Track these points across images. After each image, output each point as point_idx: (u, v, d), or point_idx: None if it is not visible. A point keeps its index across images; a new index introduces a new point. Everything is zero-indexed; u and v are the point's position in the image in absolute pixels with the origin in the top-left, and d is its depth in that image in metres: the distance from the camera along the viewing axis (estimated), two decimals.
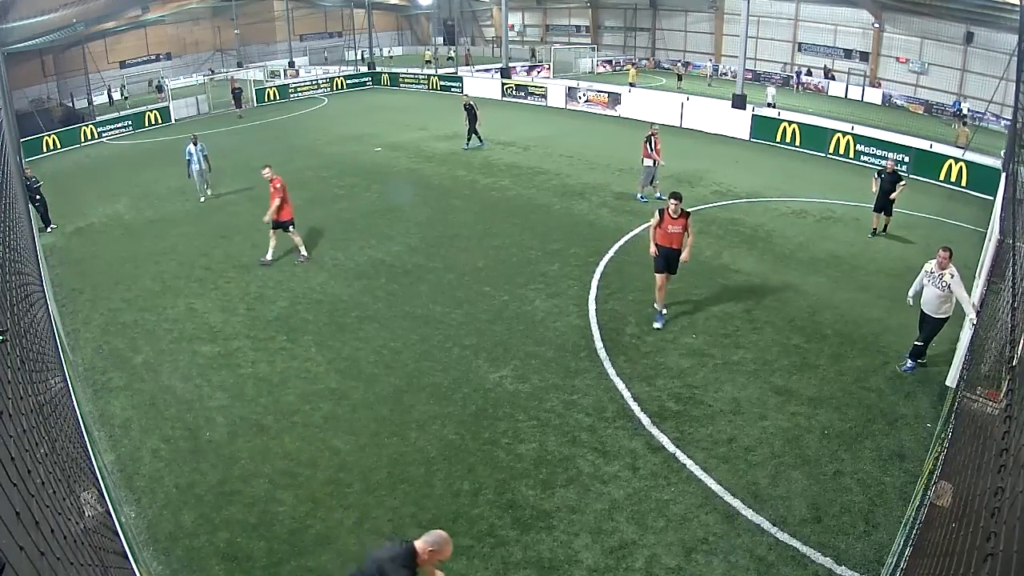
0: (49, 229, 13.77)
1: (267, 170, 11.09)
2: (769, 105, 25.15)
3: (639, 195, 14.52)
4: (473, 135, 19.91)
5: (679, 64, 42.48)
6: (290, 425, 7.01)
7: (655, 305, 8.97)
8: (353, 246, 12.08)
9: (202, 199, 15.17)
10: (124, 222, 14.27)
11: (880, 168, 12.61)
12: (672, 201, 8.45)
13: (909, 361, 7.76)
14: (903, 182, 12.05)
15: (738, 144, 20.32)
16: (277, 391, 7.64)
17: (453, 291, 10.08)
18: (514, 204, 14.40)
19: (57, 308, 9.24)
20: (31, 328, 4.59)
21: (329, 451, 6.58)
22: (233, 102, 28.29)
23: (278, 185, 10.82)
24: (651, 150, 13.96)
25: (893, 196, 11.97)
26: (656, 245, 8.66)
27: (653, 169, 14.12)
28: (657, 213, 8.59)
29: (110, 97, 35.54)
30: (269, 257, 11.18)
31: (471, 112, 19.63)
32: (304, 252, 11.30)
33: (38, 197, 13.63)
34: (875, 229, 12.33)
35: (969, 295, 7.24)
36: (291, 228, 11.11)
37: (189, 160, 14.89)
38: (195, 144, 14.94)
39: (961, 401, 5.41)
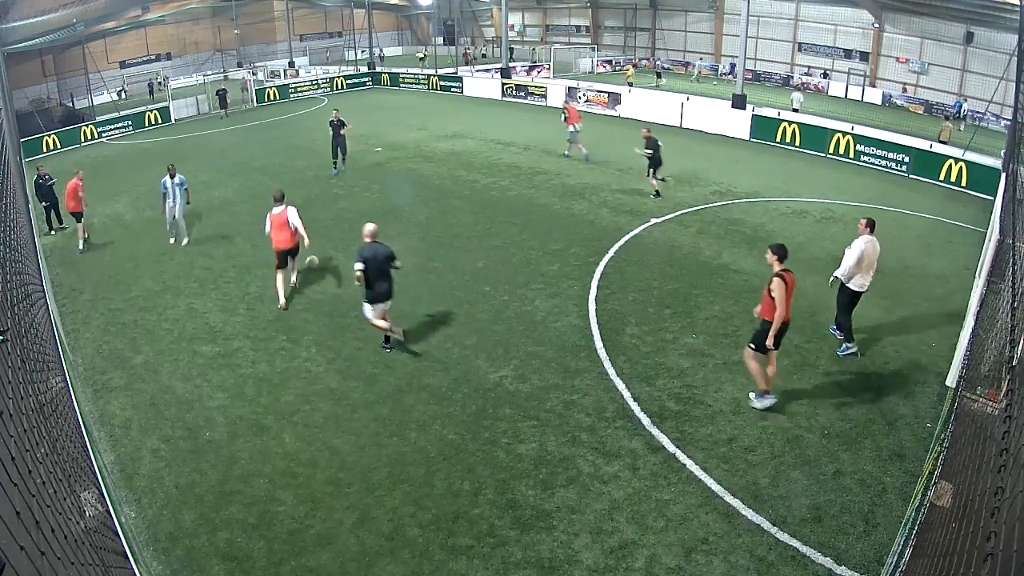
0: (52, 232, 13.66)
1: (81, 171, 13.03)
2: (794, 111, 24.57)
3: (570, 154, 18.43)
4: (339, 156, 17.06)
5: (659, 63, 43.87)
6: (290, 425, 7.01)
7: (763, 387, 7.08)
8: (353, 246, 12.01)
9: (171, 240, 12.49)
10: (124, 222, 14.28)
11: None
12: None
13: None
14: (649, 150, 14.22)
15: (738, 144, 20.32)
16: (277, 391, 7.65)
17: (453, 291, 10.08)
18: (514, 204, 14.40)
19: (57, 308, 9.24)
20: (31, 328, 4.59)
21: (329, 451, 6.58)
22: (219, 103, 28.19)
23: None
24: (564, 118, 18.31)
25: (638, 151, 14.49)
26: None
27: (568, 132, 18.29)
28: (779, 279, 6.68)
29: (151, 89, 36.71)
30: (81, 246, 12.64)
31: (336, 129, 16.74)
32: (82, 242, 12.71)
33: (45, 197, 13.57)
34: (656, 191, 14.65)
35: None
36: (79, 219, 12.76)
37: (164, 194, 12.05)
38: (171, 177, 11.95)
39: (961, 401, 5.41)
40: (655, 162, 14.33)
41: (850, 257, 7.73)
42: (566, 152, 18.51)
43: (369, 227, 7.97)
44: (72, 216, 12.80)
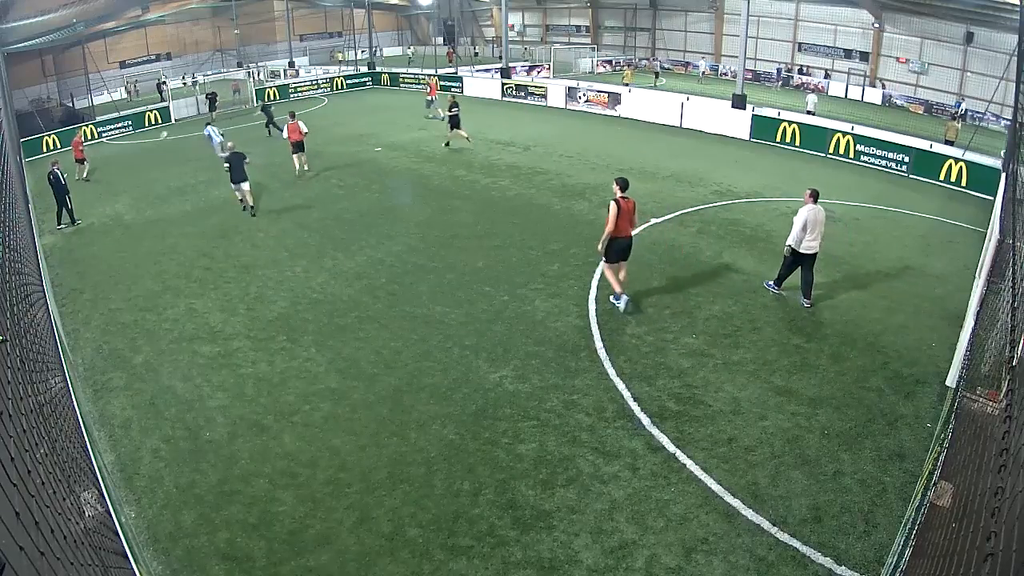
0: (61, 227, 13.88)
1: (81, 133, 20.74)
2: (809, 114, 24.16)
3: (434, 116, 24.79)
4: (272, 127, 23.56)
5: (656, 63, 43.98)
6: (290, 425, 7.01)
7: (617, 290, 9.19)
8: (353, 246, 12.08)
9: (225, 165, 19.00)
10: (124, 222, 14.28)
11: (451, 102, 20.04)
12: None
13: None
14: (451, 112, 19.62)
15: (738, 144, 20.32)
16: (277, 391, 7.65)
17: (453, 291, 10.08)
18: (514, 204, 14.40)
19: (57, 308, 9.24)
20: (31, 328, 4.59)
21: (329, 451, 6.58)
22: (208, 106, 27.79)
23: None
24: (427, 91, 26.61)
25: (446, 114, 20.25)
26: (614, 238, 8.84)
27: (426, 100, 26.30)
28: (614, 203, 8.60)
29: (159, 90, 36.60)
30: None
31: (267, 110, 24.21)
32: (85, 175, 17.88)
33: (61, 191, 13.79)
34: (447, 141, 19.82)
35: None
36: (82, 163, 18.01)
37: (210, 136, 17.95)
38: (211, 126, 18.94)
39: (961, 401, 5.41)
40: (455, 121, 19.45)
41: (796, 225, 8.93)
42: (429, 117, 25.10)
43: (229, 144, 14.04)
44: (77, 163, 17.73)
